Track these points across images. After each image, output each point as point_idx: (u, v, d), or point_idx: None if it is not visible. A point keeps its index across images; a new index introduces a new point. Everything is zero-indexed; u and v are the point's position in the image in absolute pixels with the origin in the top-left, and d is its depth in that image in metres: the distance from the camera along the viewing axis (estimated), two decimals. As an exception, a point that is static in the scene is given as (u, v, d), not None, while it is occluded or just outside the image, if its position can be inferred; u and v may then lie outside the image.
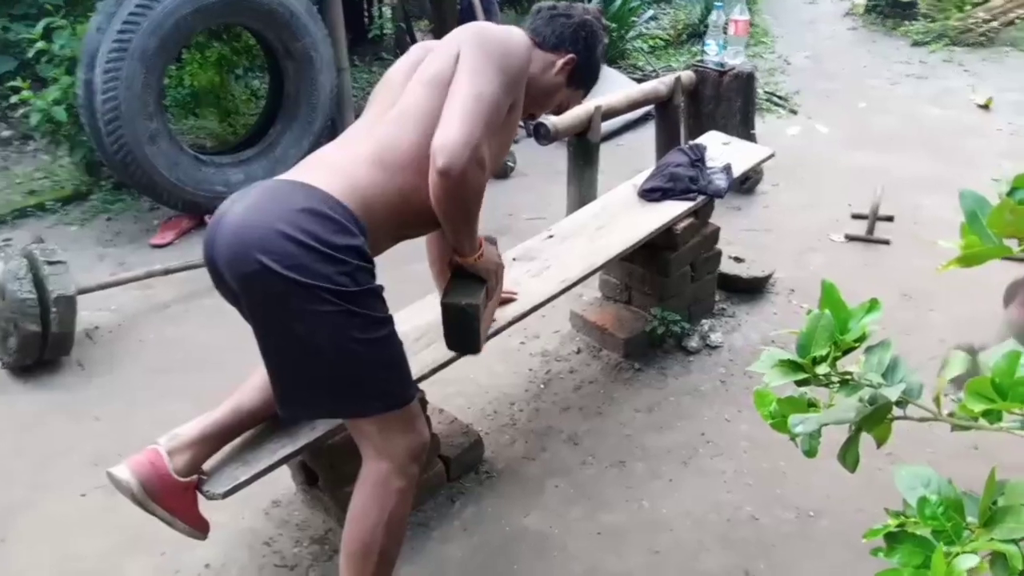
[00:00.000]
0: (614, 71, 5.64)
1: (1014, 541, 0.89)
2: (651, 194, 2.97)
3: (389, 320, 1.73)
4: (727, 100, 4.12)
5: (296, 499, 2.42)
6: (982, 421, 0.98)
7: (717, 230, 3.16)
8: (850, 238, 3.84)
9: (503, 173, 4.52)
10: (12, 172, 4.72)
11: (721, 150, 3.26)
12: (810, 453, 1.17)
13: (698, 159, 3.07)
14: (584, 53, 1.98)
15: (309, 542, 2.28)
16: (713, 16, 4.16)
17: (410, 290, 2.36)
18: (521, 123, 2.19)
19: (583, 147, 3.72)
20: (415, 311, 2.40)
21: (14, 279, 2.90)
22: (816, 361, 1.08)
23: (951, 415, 1.08)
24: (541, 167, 4.54)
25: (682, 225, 2.96)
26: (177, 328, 3.29)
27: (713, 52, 4.15)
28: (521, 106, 1.91)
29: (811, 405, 1.17)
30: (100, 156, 3.93)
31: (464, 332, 1.97)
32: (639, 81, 5.42)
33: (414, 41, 6.68)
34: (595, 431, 2.67)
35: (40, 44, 4.01)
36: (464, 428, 2.56)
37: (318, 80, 4.27)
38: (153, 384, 2.96)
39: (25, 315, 2.86)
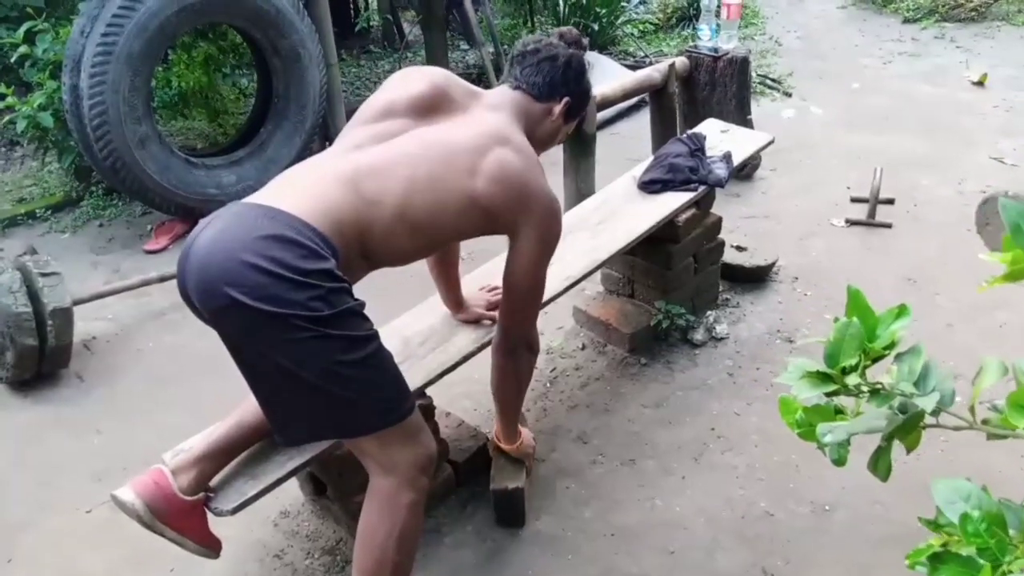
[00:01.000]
0: (606, 58, 5.59)
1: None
2: (651, 186, 2.93)
3: (373, 336, 1.66)
4: (722, 86, 4.08)
5: (305, 509, 2.39)
6: (1020, 430, 0.96)
7: (719, 220, 3.12)
8: (851, 222, 3.81)
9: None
10: (0, 180, 4.65)
11: (720, 138, 3.22)
12: (839, 462, 1.14)
13: (697, 148, 3.03)
14: (576, 90, 1.96)
15: (320, 553, 2.25)
16: (705, 0, 4.11)
17: (412, 286, 2.32)
18: None
19: (579, 139, 3.68)
20: (417, 315, 2.37)
21: (8, 293, 2.85)
22: (845, 371, 1.05)
23: (985, 422, 1.06)
24: (536, 159, 4.48)
25: (684, 216, 2.93)
26: (175, 336, 3.25)
27: (706, 37, 4.10)
28: None
29: (838, 412, 1.15)
30: (89, 162, 3.87)
31: (513, 511, 2.29)
32: (631, 67, 5.38)
33: (401, 32, 6.61)
34: (603, 429, 2.65)
35: (23, 48, 3.94)
36: (472, 431, 2.53)
37: (307, 77, 4.21)
38: (153, 394, 2.93)
39: (21, 329, 2.81)
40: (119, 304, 3.41)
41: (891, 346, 1.05)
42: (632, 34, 6.42)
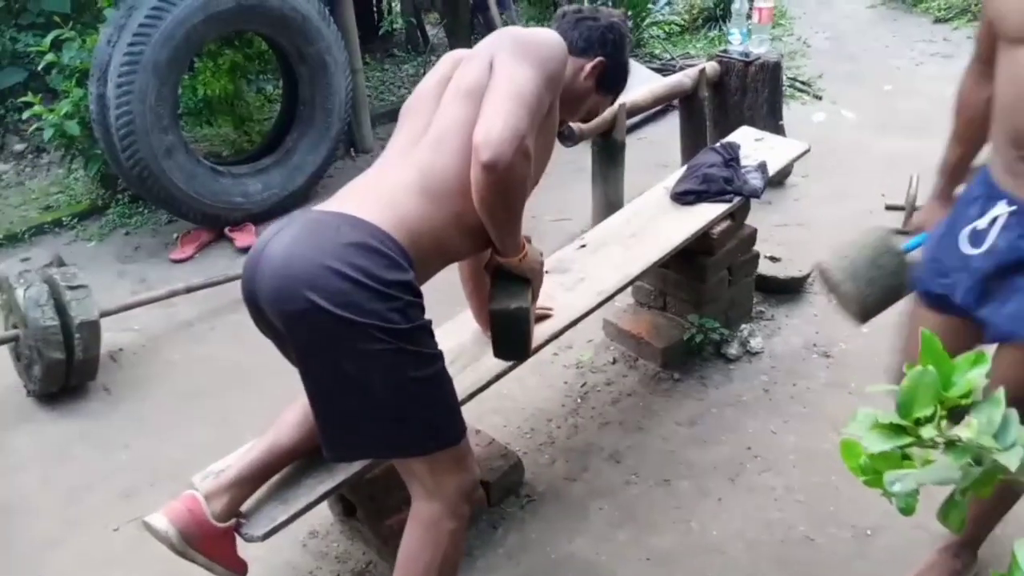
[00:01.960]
0: (634, 62, 5.51)
1: None
2: (684, 197, 2.86)
3: (440, 356, 1.66)
4: (753, 91, 4.00)
5: (334, 529, 2.36)
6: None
7: (754, 232, 3.05)
8: (886, 231, 3.72)
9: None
10: (27, 187, 4.66)
11: (754, 147, 3.15)
12: (907, 511, 1.07)
13: (732, 158, 2.96)
14: (613, 56, 1.91)
15: (350, 575, 2.22)
16: (736, 3, 4.03)
17: (440, 304, 2.27)
18: None
19: (608, 146, 3.62)
20: (447, 332, 2.32)
21: (36, 306, 2.83)
22: (919, 421, 0.99)
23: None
24: (562, 165, 4.41)
25: (718, 228, 2.86)
26: (203, 347, 3.23)
27: (737, 41, 4.02)
28: (558, 109, 1.82)
29: (905, 458, 1.09)
30: (116, 171, 3.86)
31: (515, 337, 1.91)
32: (658, 70, 5.31)
33: (425, 35, 6.57)
34: (637, 447, 2.59)
35: (49, 56, 3.94)
36: (503, 450, 2.48)
37: (333, 84, 4.18)
38: (181, 408, 2.90)
39: (48, 343, 2.79)
40: (146, 315, 3.39)
41: (967, 395, 0.99)
42: (658, 36, 6.34)
